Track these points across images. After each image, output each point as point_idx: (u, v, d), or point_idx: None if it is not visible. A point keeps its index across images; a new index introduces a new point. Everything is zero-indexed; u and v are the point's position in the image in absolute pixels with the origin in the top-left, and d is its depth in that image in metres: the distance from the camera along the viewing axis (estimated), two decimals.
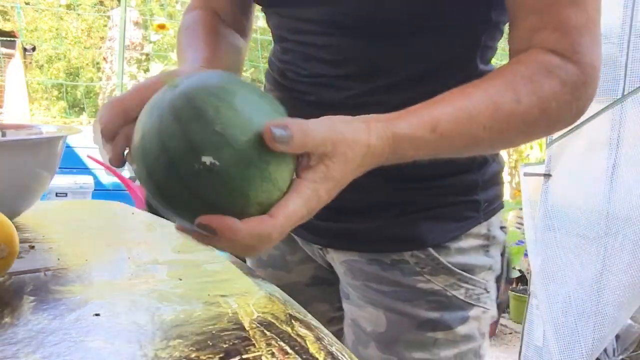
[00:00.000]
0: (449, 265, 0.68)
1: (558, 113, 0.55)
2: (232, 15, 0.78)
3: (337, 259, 0.74)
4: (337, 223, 0.70)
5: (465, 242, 0.69)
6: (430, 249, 0.67)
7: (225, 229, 0.42)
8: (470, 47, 0.64)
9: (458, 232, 0.68)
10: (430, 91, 0.54)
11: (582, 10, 0.54)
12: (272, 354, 0.43)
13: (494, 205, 0.71)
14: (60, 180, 2.81)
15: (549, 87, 0.54)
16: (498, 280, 0.73)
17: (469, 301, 0.69)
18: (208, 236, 0.43)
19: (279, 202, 0.44)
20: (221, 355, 0.42)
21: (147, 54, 5.78)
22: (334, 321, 0.81)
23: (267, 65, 0.80)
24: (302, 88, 0.69)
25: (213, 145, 0.41)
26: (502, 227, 0.72)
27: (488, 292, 0.71)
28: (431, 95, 0.53)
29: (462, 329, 0.69)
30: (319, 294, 0.82)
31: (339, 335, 0.77)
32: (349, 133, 0.46)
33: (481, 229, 0.70)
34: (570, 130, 2.56)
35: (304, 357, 0.43)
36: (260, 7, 0.74)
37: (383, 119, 0.49)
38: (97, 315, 0.49)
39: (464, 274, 0.68)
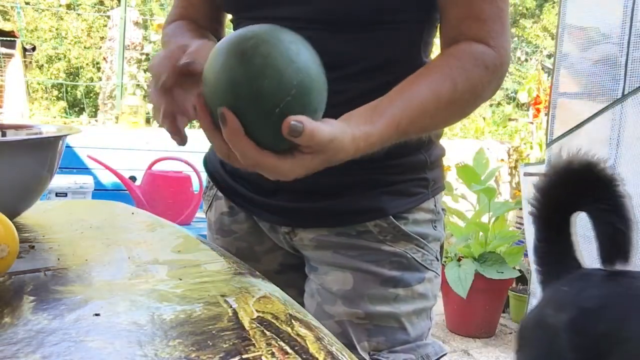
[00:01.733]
0: (408, 232, 0.79)
1: (482, 92, 0.69)
2: (209, 23, 0.86)
3: (306, 238, 0.82)
4: (305, 203, 0.80)
5: (419, 215, 0.80)
6: (392, 218, 0.78)
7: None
8: (414, 42, 0.76)
9: (412, 204, 0.79)
10: (384, 83, 0.65)
11: (492, 3, 0.68)
12: (272, 354, 0.43)
13: (438, 184, 0.83)
14: (60, 180, 2.80)
15: (477, 73, 0.67)
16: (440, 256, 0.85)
17: (425, 264, 0.80)
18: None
19: (279, 159, 0.55)
20: (221, 355, 0.42)
21: (147, 54, 5.77)
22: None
23: None
24: None
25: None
26: (442, 209, 0.85)
27: (438, 260, 0.83)
28: (385, 86, 0.64)
29: (419, 288, 0.80)
30: (286, 280, 0.87)
31: None
32: (342, 143, 0.56)
33: (430, 204, 0.81)
34: (570, 129, 2.56)
35: (304, 357, 0.43)
36: (233, 14, 0.81)
37: (364, 130, 0.60)
38: (97, 315, 0.49)
39: (420, 239, 0.80)
